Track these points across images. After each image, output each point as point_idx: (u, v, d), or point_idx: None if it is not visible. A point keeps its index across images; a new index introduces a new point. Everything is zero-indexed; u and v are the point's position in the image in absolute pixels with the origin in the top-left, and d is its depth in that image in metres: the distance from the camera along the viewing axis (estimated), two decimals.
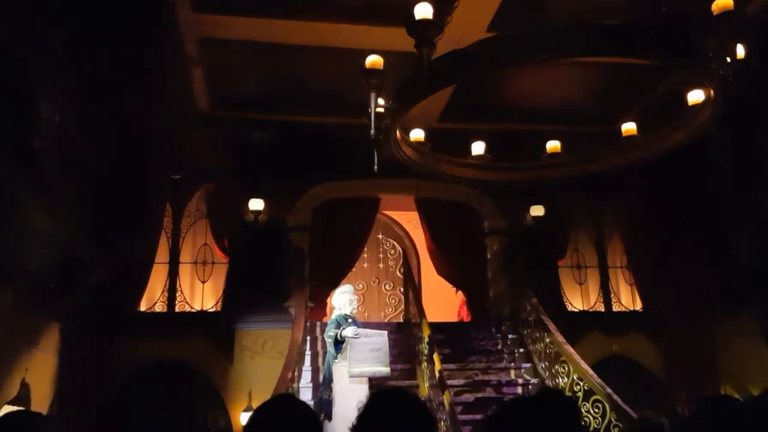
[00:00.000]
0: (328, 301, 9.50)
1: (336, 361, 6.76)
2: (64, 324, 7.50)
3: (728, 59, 4.19)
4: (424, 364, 7.83)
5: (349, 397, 6.15)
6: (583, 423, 1.85)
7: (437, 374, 7.06)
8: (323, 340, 7.72)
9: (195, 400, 8.37)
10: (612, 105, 8.86)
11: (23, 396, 6.46)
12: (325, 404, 6.67)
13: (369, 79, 4.93)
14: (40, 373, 6.86)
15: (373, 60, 5.02)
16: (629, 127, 5.68)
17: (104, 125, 7.35)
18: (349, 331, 6.69)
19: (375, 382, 6.63)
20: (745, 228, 8.71)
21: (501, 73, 6.76)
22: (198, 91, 8.87)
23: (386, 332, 7.07)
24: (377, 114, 5.27)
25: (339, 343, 6.73)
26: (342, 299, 7.23)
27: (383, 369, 6.61)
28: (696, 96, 5.30)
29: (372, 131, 5.07)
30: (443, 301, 11.16)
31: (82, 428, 7.33)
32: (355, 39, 7.42)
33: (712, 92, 4.96)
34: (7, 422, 2.60)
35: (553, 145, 6.14)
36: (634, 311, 10.41)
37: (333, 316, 7.18)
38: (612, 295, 10.51)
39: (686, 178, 9.17)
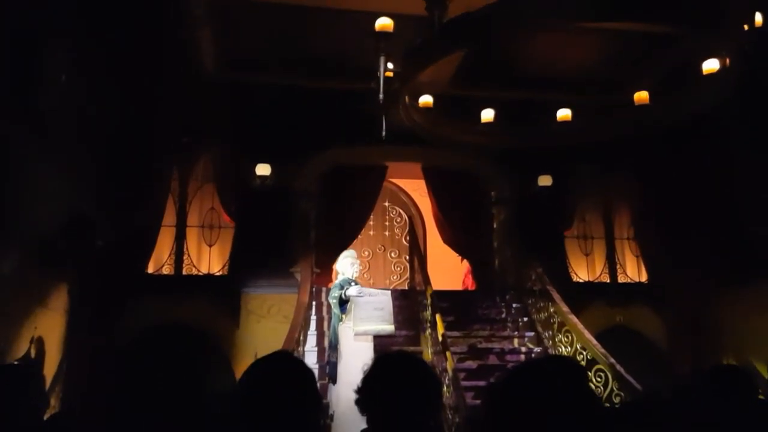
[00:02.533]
0: (334, 267, 9.54)
1: (342, 321, 6.82)
2: (73, 284, 7.57)
3: (746, 27, 4.12)
4: (429, 331, 7.87)
5: (355, 360, 6.22)
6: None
7: (440, 337, 7.11)
8: (329, 305, 7.78)
9: (201, 362, 8.46)
10: (625, 73, 8.74)
11: (38, 354, 6.57)
12: (331, 366, 6.75)
13: (379, 43, 4.88)
14: (48, 332, 6.94)
15: (383, 23, 4.95)
16: (642, 95, 5.61)
17: (111, 86, 7.31)
18: (353, 290, 6.76)
19: (378, 347, 6.69)
20: (755, 201, 8.67)
21: (513, 39, 6.67)
22: (205, 53, 8.79)
23: (389, 291, 7.13)
24: (386, 78, 5.23)
25: (344, 303, 6.78)
26: (344, 263, 7.29)
27: (387, 327, 6.69)
28: (711, 65, 5.22)
29: (381, 96, 5.03)
30: (448, 270, 11.19)
31: (89, 387, 7.43)
32: (365, 1, 7.31)
33: (728, 61, 4.89)
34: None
35: (563, 114, 6.09)
36: (640, 283, 10.42)
37: (337, 281, 7.24)
38: (618, 267, 10.50)
39: (697, 149, 9.10)
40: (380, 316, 6.62)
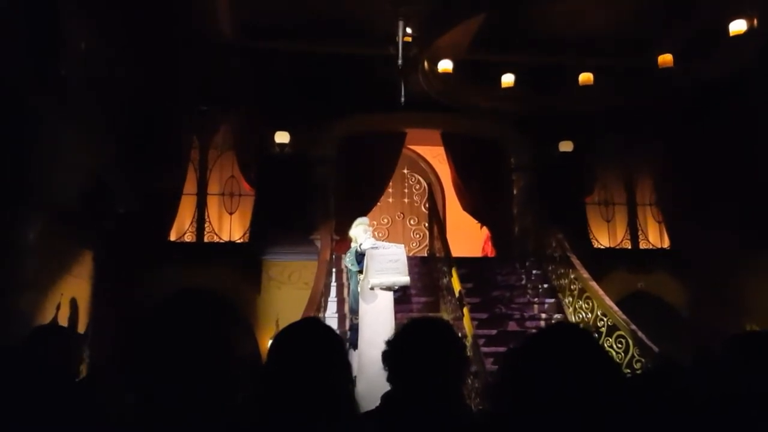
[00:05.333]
0: (349, 234, 9.58)
1: (360, 278, 6.85)
2: (97, 251, 7.68)
3: None
4: (448, 297, 7.90)
5: (376, 318, 6.28)
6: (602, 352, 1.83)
7: (457, 294, 7.12)
8: (348, 271, 7.82)
9: (223, 328, 8.58)
10: (648, 35, 8.54)
11: (72, 315, 6.71)
12: (353, 331, 6.81)
13: (397, 7, 4.81)
14: (75, 299, 7.07)
15: None
16: (666, 58, 5.49)
17: (131, 53, 7.31)
18: (368, 243, 6.79)
19: (397, 295, 6.72)
20: None
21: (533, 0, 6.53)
22: (223, 19, 8.73)
23: (402, 245, 7.16)
24: (405, 44, 5.17)
25: (360, 258, 6.82)
26: (358, 230, 7.32)
27: (403, 278, 6.70)
28: (738, 26, 5.10)
29: (399, 61, 4.98)
30: (468, 237, 11.18)
31: (114, 352, 7.58)
32: None
33: (755, 22, 4.77)
34: (39, 335, 2.70)
35: (586, 77, 6.00)
36: (662, 249, 10.34)
37: (351, 247, 7.31)
38: (639, 232, 10.42)
39: (720, 113, 8.92)
40: (395, 268, 6.63)
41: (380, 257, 6.65)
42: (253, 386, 1.94)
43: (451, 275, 7.54)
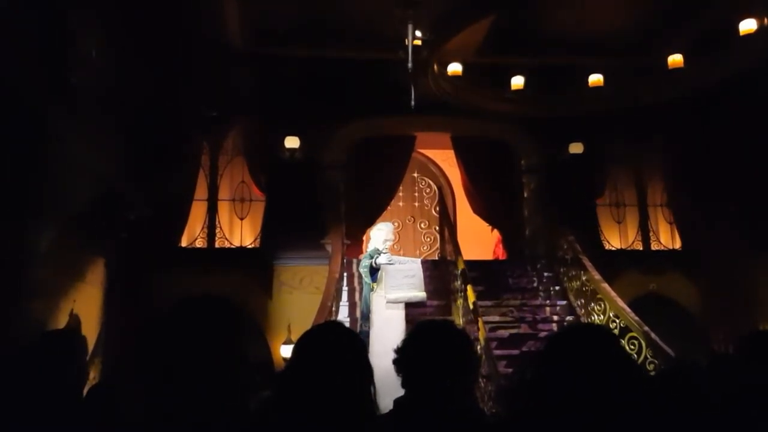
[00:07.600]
0: (364, 238, 9.56)
1: (373, 290, 6.83)
2: (109, 258, 7.72)
3: None
4: (459, 301, 7.88)
5: (387, 329, 6.26)
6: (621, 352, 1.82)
7: (471, 305, 7.11)
8: (359, 276, 7.81)
9: (235, 333, 8.60)
10: (657, 35, 8.50)
11: (75, 328, 6.71)
12: (363, 336, 6.80)
13: (406, 10, 4.82)
14: (87, 306, 7.10)
15: None
16: (676, 59, 5.47)
17: (140, 61, 7.36)
18: (383, 258, 6.74)
19: (410, 317, 6.71)
20: None
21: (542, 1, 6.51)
22: (232, 26, 8.76)
23: (419, 260, 7.14)
24: (414, 47, 5.17)
25: (374, 272, 6.79)
26: (377, 235, 7.26)
27: (419, 294, 6.69)
28: (748, 25, 5.07)
29: (409, 65, 4.98)
30: (479, 240, 11.16)
31: (126, 358, 7.61)
32: None
33: (766, 21, 4.74)
34: (47, 341, 2.72)
35: (595, 79, 5.98)
36: (673, 250, 10.28)
37: (367, 250, 7.26)
38: (651, 234, 10.36)
39: (729, 112, 8.85)
40: (411, 284, 6.62)
41: (396, 272, 6.64)
42: (273, 388, 1.95)
43: (466, 288, 7.47)
